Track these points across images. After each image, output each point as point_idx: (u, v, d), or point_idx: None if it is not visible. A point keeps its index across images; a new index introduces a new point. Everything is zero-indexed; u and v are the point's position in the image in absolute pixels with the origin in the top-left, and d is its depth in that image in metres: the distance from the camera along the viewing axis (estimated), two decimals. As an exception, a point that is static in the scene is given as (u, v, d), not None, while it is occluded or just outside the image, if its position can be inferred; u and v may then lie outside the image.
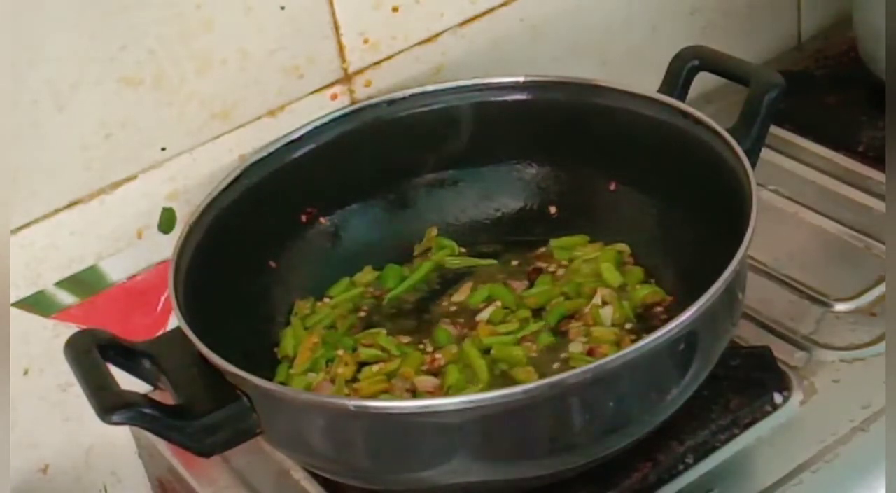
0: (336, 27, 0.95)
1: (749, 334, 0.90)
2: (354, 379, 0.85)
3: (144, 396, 0.73)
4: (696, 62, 0.92)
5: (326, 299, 0.93)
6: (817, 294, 0.94)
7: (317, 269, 0.94)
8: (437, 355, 0.85)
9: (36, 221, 0.86)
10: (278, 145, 0.93)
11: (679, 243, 0.89)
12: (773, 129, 0.95)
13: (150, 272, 0.92)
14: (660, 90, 0.92)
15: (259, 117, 0.94)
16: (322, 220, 0.95)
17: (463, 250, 0.96)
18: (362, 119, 0.96)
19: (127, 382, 0.77)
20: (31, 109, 0.83)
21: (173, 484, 0.92)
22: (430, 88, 0.96)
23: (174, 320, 0.86)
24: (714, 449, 0.83)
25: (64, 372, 0.78)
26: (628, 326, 0.86)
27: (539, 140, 0.96)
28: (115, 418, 0.72)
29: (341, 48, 0.96)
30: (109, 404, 0.72)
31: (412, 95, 0.96)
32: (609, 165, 0.93)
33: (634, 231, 0.92)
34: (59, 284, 0.89)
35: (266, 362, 0.88)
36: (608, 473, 0.80)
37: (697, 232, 0.87)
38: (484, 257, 0.95)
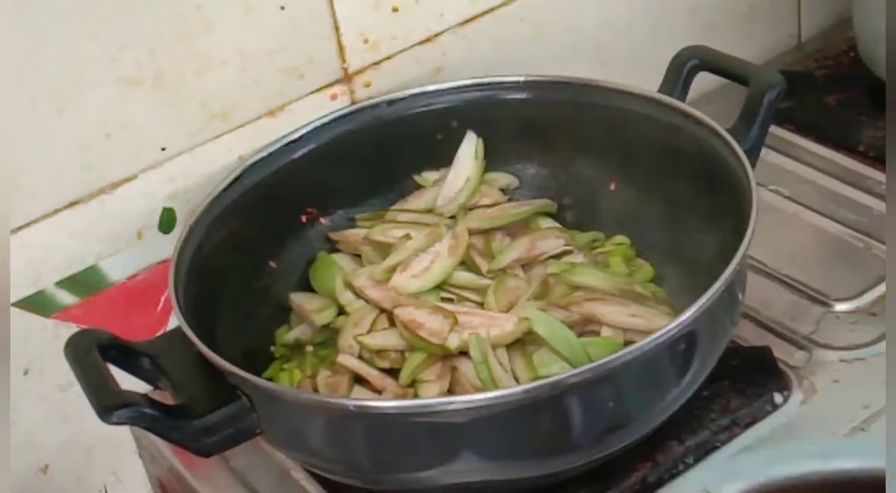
0: (336, 27, 0.95)
1: (749, 334, 0.90)
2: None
3: (144, 396, 0.74)
4: (696, 62, 0.92)
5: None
6: (817, 294, 0.94)
7: (317, 269, 0.95)
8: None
9: (36, 221, 0.86)
10: (278, 145, 0.93)
11: (679, 243, 0.89)
12: (773, 129, 0.96)
13: (150, 272, 0.92)
14: (660, 90, 0.92)
15: (259, 117, 0.94)
16: (322, 220, 0.95)
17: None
18: (362, 119, 0.96)
19: (127, 382, 0.77)
20: (31, 109, 0.83)
21: (173, 484, 0.92)
22: (430, 87, 0.96)
23: (174, 320, 0.86)
24: (714, 449, 0.83)
25: (64, 372, 0.78)
26: None
27: (539, 140, 0.96)
28: (115, 418, 0.72)
29: (341, 48, 0.96)
30: (109, 404, 0.72)
31: (412, 95, 0.96)
32: (609, 165, 0.93)
33: (634, 230, 0.93)
34: (59, 284, 0.89)
35: (266, 362, 0.88)
36: (608, 473, 0.80)
37: (697, 232, 0.87)
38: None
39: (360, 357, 0.85)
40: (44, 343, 0.89)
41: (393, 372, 0.84)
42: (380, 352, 0.84)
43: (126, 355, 0.80)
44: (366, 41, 0.97)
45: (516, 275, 0.89)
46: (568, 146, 0.95)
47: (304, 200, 0.94)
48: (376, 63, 0.98)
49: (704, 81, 0.95)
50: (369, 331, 0.86)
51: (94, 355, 0.76)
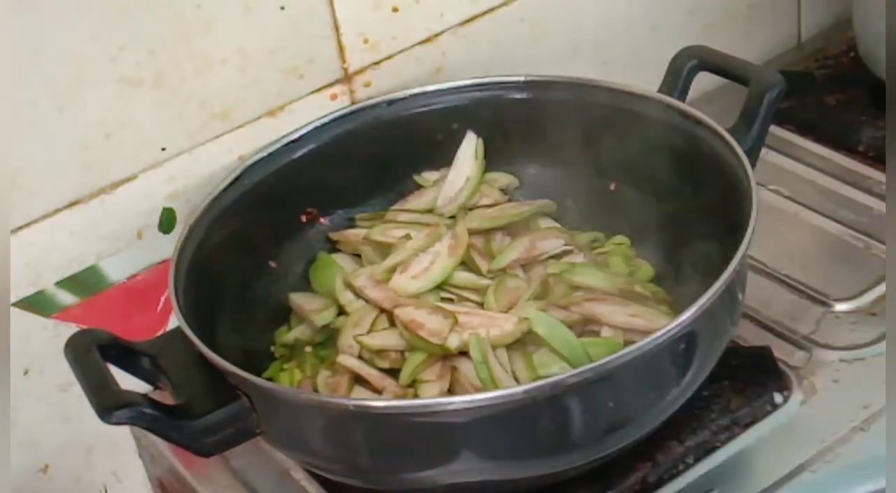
0: (336, 27, 0.95)
1: (749, 334, 0.90)
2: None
3: (144, 396, 0.74)
4: (696, 62, 0.92)
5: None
6: (817, 294, 0.94)
7: (317, 269, 0.95)
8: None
9: (36, 221, 0.86)
10: (278, 145, 0.93)
11: (679, 243, 0.89)
12: (773, 129, 0.96)
13: (150, 272, 0.92)
14: (660, 90, 0.92)
15: (259, 117, 0.94)
16: (322, 220, 0.95)
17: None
18: (362, 119, 0.96)
19: (127, 382, 0.77)
20: (31, 109, 0.83)
21: (173, 484, 0.92)
22: (430, 87, 0.96)
23: (174, 320, 0.86)
24: (714, 449, 0.83)
25: (64, 372, 0.78)
26: None
27: (539, 140, 0.96)
28: (115, 418, 0.72)
29: (341, 48, 0.96)
30: (109, 404, 0.72)
31: (412, 95, 0.96)
32: (609, 165, 0.93)
33: (634, 230, 0.93)
34: (59, 284, 0.89)
35: (266, 362, 0.88)
36: (608, 473, 0.80)
37: (697, 232, 0.87)
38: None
39: (360, 357, 0.85)
40: (44, 343, 0.89)
41: (393, 372, 0.84)
42: (380, 352, 0.84)
43: (126, 355, 0.80)
44: (366, 41, 0.97)
45: (516, 275, 0.89)
46: (568, 146, 0.95)
47: (304, 200, 0.94)
48: (376, 63, 0.98)
49: (704, 81, 0.95)
50: (369, 331, 0.86)
51: (94, 355, 0.76)
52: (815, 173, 1.06)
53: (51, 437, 0.92)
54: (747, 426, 0.84)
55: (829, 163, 1.07)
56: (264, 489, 0.87)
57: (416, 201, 0.96)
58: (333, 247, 0.95)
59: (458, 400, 0.73)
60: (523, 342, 0.82)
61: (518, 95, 0.95)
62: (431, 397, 0.81)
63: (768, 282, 0.96)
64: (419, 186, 0.97)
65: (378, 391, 0.83)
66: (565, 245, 0.91)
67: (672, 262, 0.90)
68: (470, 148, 0.96)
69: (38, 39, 0.82)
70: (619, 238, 0.93)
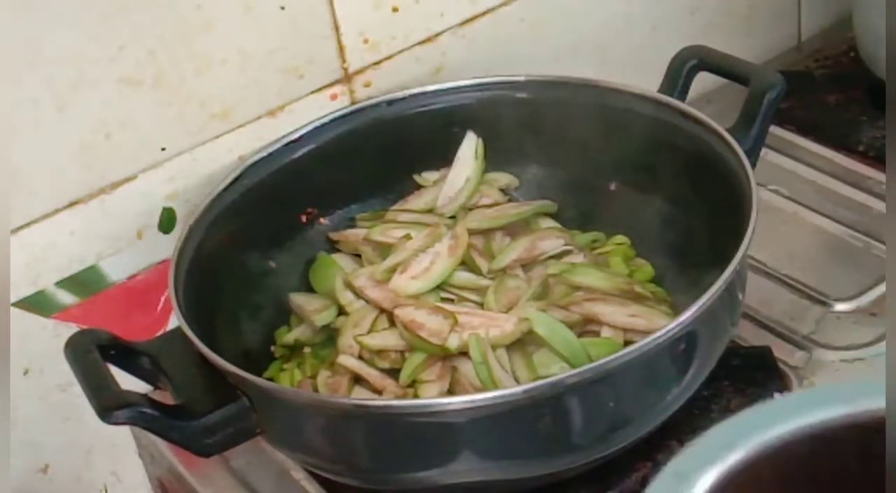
0: (336, 27, 0.95)
1: (749, 334, 0.90)
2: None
3: (144, 396, 0.74)
4: (696, 62, 0.92)
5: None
6: (817, 294, 0.94)
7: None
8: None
9: (36, 221, 0.86)
10: (278, 145, 0.93)
11: (679, 243, 0.89)
12: (773, 129, 0.96)
13: (150, 272, 0.92)
14: (660, 90, 0.92)
15: (259, 117, 0.94)
16: (322, 220, 0.95)
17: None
18: (362, 119, 0.96)
19: (127, 382, 0.77)
20: (31, 109, 0.83)
21: (173, 484, 0.92)
22: (430, 87, 0.96)
23: (174, 320, 0.86)
24: (714, 449, 0.83)
25: (64, 372, 0.78)
26: None
27: (539, 140, 0.96)
28: (115, 418, 0.72)
29: (341, 48, 0.96)
30: (109, 404, 0.72)
31: (412, 95, 0.96)
32: (609, 165, 0.93)
33: (634, 230, 0.93)
34: (59, 284, 0.89)
35: (266, 362, 0.88)
36: (608, 473, 0.80)
37: (697, 232, 0.87)
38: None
39: (360, 357, 0.85)
40: (44, 343, 0.89)
41: (393, 372, 0.84)
42: (380, 352, 0.84)
43: (126, 355, 0.80)
44: (366, 41, 0.97)
45: (516, 275, 0.89)
46: (568, 146, 0.95)
47: (304, 200, 0.94)
48: (376, 63, 0.98)
49: (704, 81, 0.95)
50: (369, 331, 0.86)
51: (94, 355, 0.76)
52: (815, 173, 1.06)
53: (51, 437, 0.92)
54: (747, 425, 0.84)
55: (829, 163, 1.07)
56: (264, 489, 0.87)
57: (416, 201, 0.96)
58: (333, 247, 0.95)
59: (458, 400, 0.73)
60: (523, 342, 0.82)
61: (518, 95, 0.95)
62: (431, 397, 0.81)
63: (768, 282, 0.96)
64: (419, 186, 0.97)
65: (378, 392, 0.83)
66: (565, 245, 0.91)
67: (672, 262, 0.90)
68: (470, 148, 0.96)
69: (38, 39, 0.82)
70: (619, 238, 0.93)
